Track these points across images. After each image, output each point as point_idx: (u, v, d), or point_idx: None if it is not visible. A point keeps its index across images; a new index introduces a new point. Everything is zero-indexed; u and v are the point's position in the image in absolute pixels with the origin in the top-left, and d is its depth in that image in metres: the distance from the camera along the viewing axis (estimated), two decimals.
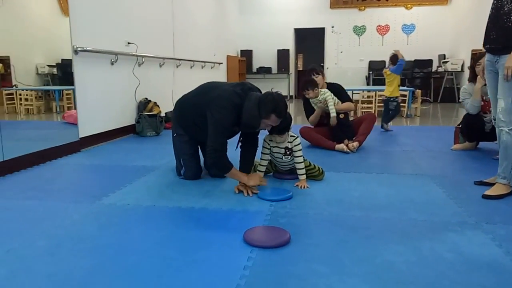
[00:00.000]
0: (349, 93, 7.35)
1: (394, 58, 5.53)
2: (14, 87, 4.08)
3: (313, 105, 4.08)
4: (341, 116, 4.05)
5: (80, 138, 4.01)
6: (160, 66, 6.03)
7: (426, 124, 6.23)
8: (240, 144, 2.76)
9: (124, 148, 4.18)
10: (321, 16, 11.43)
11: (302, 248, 1.80)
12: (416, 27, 11.09)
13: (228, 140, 2.66)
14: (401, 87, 8.63)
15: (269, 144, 2.81)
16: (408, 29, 11.18)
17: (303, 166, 2.76)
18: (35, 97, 4.38)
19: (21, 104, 4.25)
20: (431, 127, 5.76)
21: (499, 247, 1.79)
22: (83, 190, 2.67)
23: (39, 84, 4.10)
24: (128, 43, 4.95)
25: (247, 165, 2.75)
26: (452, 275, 1.55)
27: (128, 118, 5.00)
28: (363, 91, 7.91)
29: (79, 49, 3.97)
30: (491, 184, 2.70)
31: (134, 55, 5.01)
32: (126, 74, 4.95)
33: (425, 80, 10.60)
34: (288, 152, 2.79)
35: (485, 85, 3.62)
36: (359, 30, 11.43)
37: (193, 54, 7.45)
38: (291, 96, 11.91)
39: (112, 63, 4.62)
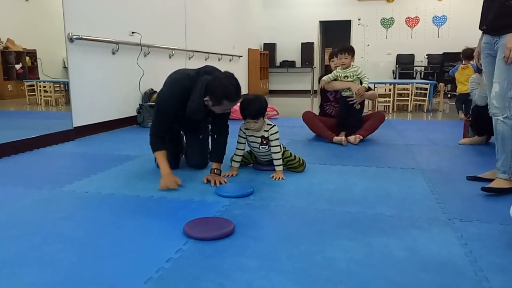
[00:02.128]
0: (371, 85, 7.16)
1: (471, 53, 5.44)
2: (36, 80, 4.16)
3: (328, 79, 3.90)
4: (357, 107, 3.85)
5: (75, 127, 4.00)
6: (170, 57, 5.98)
7: (446, 119, 5.89)
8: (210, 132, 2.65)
9: (118, 138, 4.15)
10: (347, 8, 11.11)
11: (242, 241, 1.66)
12: (448, 18, 10.59)
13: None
14: (423, 80, 8.27)
15: (244, 133, 2.67)
16: (439, 21, 10.69)
17: (280, 157, 2.61)
18: (54, 89, 4.44)
19: (40, 95, 4.33)
20: (449, 122, 5.43)
21: (463, 246, 1.59)
22: (51, 177, 2.62)
23: (66, 77, 4.11)
24: (132, 32, 4.91)
25: (216, 154, 2.61)
26: (392, 275, 1.37)
27: (131, 108, 4.97)
28: (385, 84, 7.56)
29: (74, 37, 3.95)
30: (484, 180, 2.47)
31: (138, 44, 4.97)
32: (129, 64, 4.92)
33: None
34: (264, 142, 2.64)
35: None
36: (387, 23, 11.03)
37: (208, 46, 7.37)
38: (315, 91, 11.66)
39: (113, 53, 4.60)
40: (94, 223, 1.86)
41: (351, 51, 3.83)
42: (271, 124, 2.61)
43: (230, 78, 2.31)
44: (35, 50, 4.04)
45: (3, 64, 3.80)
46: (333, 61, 3.95)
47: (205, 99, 2.31)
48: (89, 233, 1.74)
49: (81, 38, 4.00)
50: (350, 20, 11.22)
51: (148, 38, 5.14)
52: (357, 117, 3.90)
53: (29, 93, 4.21)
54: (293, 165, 2.73)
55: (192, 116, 2.37)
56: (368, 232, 1.73)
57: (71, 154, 3.45)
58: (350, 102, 3.79)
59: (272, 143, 2.61)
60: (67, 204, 2.12)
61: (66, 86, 4.18)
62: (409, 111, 6.90)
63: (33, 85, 4.24)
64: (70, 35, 3.92)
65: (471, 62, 5.41)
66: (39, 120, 4.31)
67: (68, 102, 4.16)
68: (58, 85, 4.39)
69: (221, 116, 2.55)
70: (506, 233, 1.71)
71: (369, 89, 3.92)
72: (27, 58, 4.05)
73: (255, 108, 2.45)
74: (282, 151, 2.68)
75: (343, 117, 3.88)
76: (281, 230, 1.77)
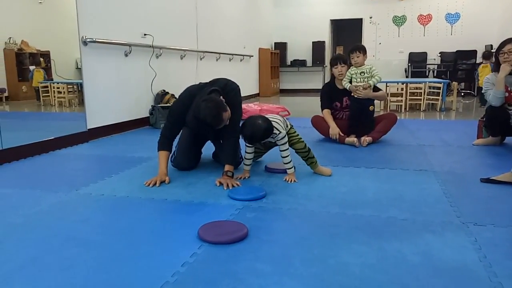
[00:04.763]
0: (383, 85, 7.15)
1: (489, 54, 7.10)
2: (49, 81, 4.23)
3: (344, 82, 3.83)
4: (371, 108, 3.85)
5: (89, 129, 4.05)
6: (181, 58, 6.02)
7: (460, 118, 5.84)
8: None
9: (131, 139, 4.19)
10: (358, 6, 11.07)
11: (256, 245, 1.67)
12: (461, 16, 10.48)
13: None
14: (436, 79, 8.23)
15: None
16: (452, 18, 10.59)
17: (290, 160, 2.61)
18: (68, 90, 4.51)
19: (54, 97, 4.40)
20: (463, 121, 5.38)
21: (477, 251, 1.59)
22: (67, 180, 2.66)
23: (80, 78, 4.16)
24: (145, 34, 4.95)
25: (226, 157, 2.66)
26: (406, 280, 1.38)
27: (144, 110, 5.02)
28: (398, 83, 7.51)
29: (88, 40, 4.00)
30: (499, 182, 2.46)
31: (150, 46, 5.01)
32: (142, 66, 4.97)
33: (469, 72, 9.97)
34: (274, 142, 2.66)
35: (509, 74, 3.37)
36: (399, 20, 10.97)
37: (219, 46, 7.40)
38: None
39: (126, 55, 4.64)
40: (110, 226, 1.89)
41: (362, 49, 3.80)
42: (276, 133, 2.56)
43: (207, 102, 2.44)
44: (49, 51, 4.10)
45: (17, 66, 3.86)
46: (336, 67, 3.88)
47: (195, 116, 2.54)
48: (105, 236, 1.77)
49: (94, 41, 4.06)
50: (361, 19, 11.18)
51: (160, 40, 5.19)
52: (370, 118, 3.89)
53: (43, 94, 4.28)
54: (307, 156, 2.73)
55: (189, 124, 2.71)
56: (381, 236, 1.74)
57: (85, 156, 3.50)
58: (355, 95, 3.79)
59: (281, 148, 2.61)
60: (83, 207, 2.16)
61: (79, 86, 4.24)
62: (422, 110, 6.85)
63: (47, 86, 4.30)
64: (84, 38, 3.98)
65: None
66: (53, 121, 4.38)
67: (81, 103, 4.21)
68: (71, 86, 4.45)
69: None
70: None
71: (378, 89, 3.91)
72: (41, 59, 4.11)
73: (249, 134, 2.47)
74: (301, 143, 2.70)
75: (355, 119, 3.86)
76: (294, 234, 1.79)
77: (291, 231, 1.83)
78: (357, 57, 3.77)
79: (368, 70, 3.79)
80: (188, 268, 1.48)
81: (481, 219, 1.92)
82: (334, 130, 3.82)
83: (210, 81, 2.74)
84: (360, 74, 3.78)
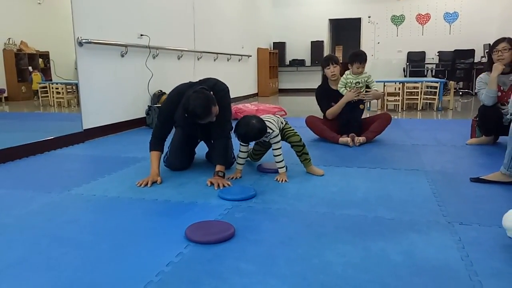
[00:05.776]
0: (381, 84, 7.16)
1: None
2: (48, 81, 4.26)
3: (340, 89, 3.84)
4: (361, 106, 3.87)
5: (85, 129, 4.07)
6: (179, 58, 6.03)
7: (456, 118, 5.85)
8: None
9: (127, 140, 4.21)
10: (357, 5, 11.08)
11: (242, 245, 1.69)
12: (460, 15, 10.48)
13: None
14: (432, 78, 8.23)
15: None
16: (450, 17, 10.59)
17: (281, 159, 2.63)
18: (66, 91, 4.53)
19: (53, 97, 4.42)
20: (458, 121, 5.39)
21: (459, 250, 1.60)
22: (60, 180, 2.68)
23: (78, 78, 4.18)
24: (141, 35, 4.97)
25: (216, 156, 2.69)
26: (387, 279, 1.39)
27: (140, 110, 5.04)
28: (395, 83, 7.52)
29: (83, 41, 4.01)
30: (488, 181, 2.48)
31: (147, 47, 5.03)
32: (138, 66, 4.98)
33: (467, 71, 9.97)
34: (267, 143, 2.68)
35: (502, 73, 3.38)
36: (397, 20, 10.97)
37: (217, 46, 7.41)
38: None
39: (122, 55, 4.66)
40: (99, 226, 1.91)
41: (365, 61, 3.81)
42: (269, 132, 2.59)
43: (198, 93, 2.45)
44: (48, 52, 4.13)
45: (16, 67, 3.89)
46: (328, 68, 3.89)
47: (186, 115, 2.51)
48: (93, 236, 1.79)
49: (90, 42, 4.07)
50: (360, 18, 11.18)
51: (156, 40, 5.21)
52: (358, 118, 3.92)
53: (42, 95, 4.31)
54: (300, 151, 2.74)
55: (177, 122, 2.71)
56: (367, 236, 1.75)
57: (80, 156, 3.52)
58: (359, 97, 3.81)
59: (273, 146, 2.63)
60: (74, 208, 2.18)
61: (77, 87, 4.26)
62: (418, 109, 6.86)
63: (45, 87, 4.33)
64: (80, 39, 3.99)
65: None
66: (50, 122, 4.41)
67: (80, 103, 4.24)
68: (70, 86, 4.47)
69: (217, 120, 2.60)
70: (505, 237, 1.70)
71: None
72: (40, 60, 4.14)
73: (243, 133, 2.50)
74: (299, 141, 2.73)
75: (345, 117, 3.86)
76: (280, 234, 1.80)
77: (278, 231, 1.84)
78: (362, 68, 3.79)
79: (363, 80, 3.81)
80: (172, 268, 1.50)
81: (467, 218, 1.94)
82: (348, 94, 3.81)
83: (199, 80, 2.74)
84: (356, 83, 3.80)
